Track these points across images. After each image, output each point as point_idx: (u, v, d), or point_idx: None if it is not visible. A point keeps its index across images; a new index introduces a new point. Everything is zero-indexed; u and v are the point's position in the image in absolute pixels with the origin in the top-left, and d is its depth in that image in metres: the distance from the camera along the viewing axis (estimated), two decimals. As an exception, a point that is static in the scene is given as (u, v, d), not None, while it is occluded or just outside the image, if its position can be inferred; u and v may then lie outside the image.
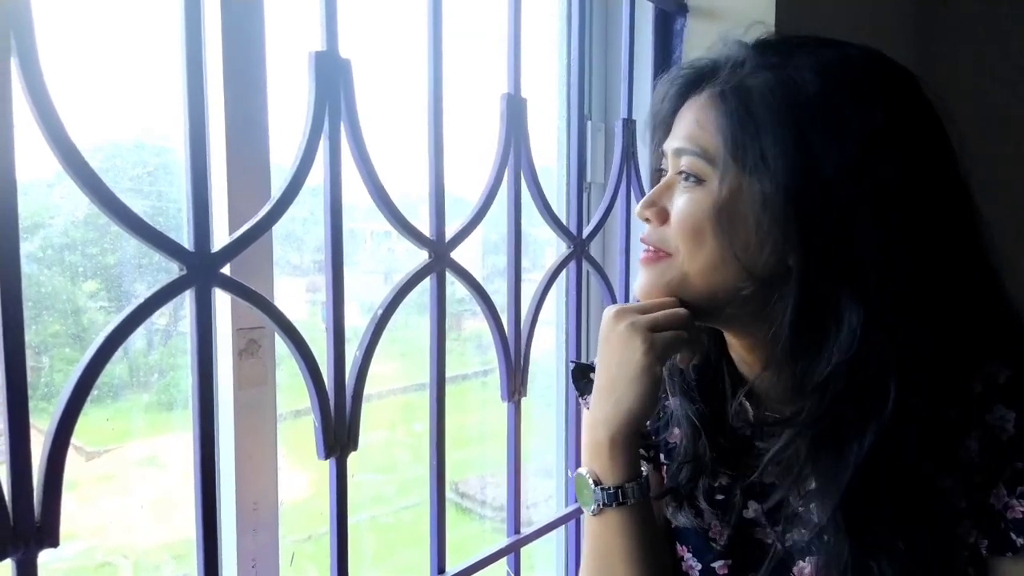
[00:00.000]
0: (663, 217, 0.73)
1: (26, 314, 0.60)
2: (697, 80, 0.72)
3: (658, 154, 0.77)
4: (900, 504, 0.66)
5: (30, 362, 0.71)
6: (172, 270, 0.68)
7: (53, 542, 0.61)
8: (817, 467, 0.67)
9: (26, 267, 0.76)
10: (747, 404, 0.78)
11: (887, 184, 0.64)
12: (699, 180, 0.69)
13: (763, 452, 0.74)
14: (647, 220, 0.74)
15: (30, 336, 0.76)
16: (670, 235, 0.71)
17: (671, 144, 0.73)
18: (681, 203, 0.71)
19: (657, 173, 0.78)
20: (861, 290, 0.63)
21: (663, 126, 0.76)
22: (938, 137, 0.68)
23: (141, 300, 0.65)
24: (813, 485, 0.70)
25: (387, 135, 0.92)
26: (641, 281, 0.75)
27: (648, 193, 0.75)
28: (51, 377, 0.80)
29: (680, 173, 0.71)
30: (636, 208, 0.75)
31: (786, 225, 0.64)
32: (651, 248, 0.74)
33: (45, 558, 0.62)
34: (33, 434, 0.61)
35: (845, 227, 0.64)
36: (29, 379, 0.60)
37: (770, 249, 0.66)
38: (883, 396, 0.64)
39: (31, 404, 0.60)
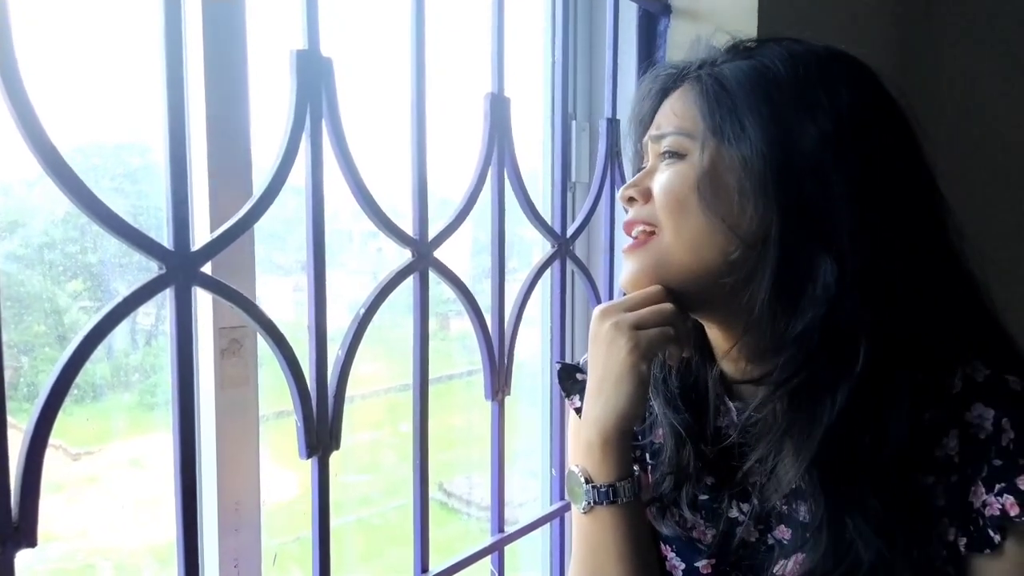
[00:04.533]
0: (647, 196, 0.74)
1: (7, 313, 0.60)
2: (675, 78, 0.76)
3: (639, 152, 0.79)
4: (877, 474, 0.67)
5: (12, 362, 0.71)
6: (154, 269, 0.68)
7: (31, 542, 0.61)
8: (792, 426, 0.68)
9: (6, 266, 0.76)
10: (731, 405, 0.78)
11: (858, 156, 0.67)
12: (680, 156, 0.72)
13: (746, 450, 0.73)
14: (630, 200, 0.75)
15: (11, 335, 0.76)
16: (654, 211, 0.73)
17: (650, 134, 0.75)
18: (663, 178, 0.72)
19: (640, 170, 0.78)
20: (835, 250, 0.66)
21: (643, 124, 0.78)
22: (903, 123, 0.71)
23: (119, 299, 0.65)
24: (789, 457, 0.70)
25: (371, 135, 0.92)
26: (626, 271, 0.75)
27: (631, 179, 0.77)
28: (34, 378, 0.79)
29: (661, 154, 0.73)
30: (619, 193, 0.77)
31: (766, 189, 0.67)
32: (635, 233, 0.75)
33: (27, 559, 0.62)
34: (15, 434, 0.61)
35: (820, 191, 0.66)
36: (11, 379, 0.60)
37: (751, 212, 0.68)
38: (854, 355, 0.66)
39: (14, 405, 0.60)
